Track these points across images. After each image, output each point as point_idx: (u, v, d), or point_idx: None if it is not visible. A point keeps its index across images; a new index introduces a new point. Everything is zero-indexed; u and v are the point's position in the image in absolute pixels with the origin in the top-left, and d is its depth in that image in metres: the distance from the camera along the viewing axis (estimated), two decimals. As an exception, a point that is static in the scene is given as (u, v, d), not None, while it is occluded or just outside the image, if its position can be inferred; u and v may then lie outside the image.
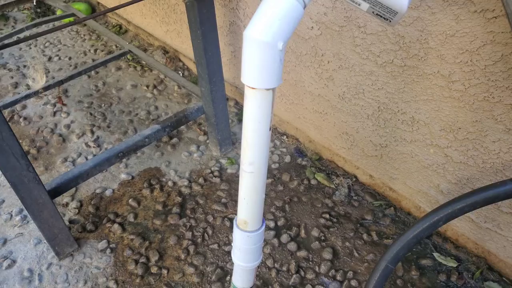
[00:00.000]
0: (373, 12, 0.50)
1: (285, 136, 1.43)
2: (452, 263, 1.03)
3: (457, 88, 0.82)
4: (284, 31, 0.47)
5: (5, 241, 1.13)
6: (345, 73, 1.04)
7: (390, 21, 0.50)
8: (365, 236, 1.11)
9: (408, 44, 0.85)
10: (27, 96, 1.45)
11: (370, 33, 0.91)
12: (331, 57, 1.05)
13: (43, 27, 2.11)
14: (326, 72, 1.09)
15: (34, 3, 2.07)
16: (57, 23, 2.16)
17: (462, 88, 0.81)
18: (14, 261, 1.08)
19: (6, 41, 1.96)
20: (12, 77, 1.76)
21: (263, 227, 0.64)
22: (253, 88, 0.51)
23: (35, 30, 2.08)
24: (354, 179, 1.26)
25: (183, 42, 1.65)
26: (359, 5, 0.50)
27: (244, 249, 0.63)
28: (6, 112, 1.57)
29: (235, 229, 0.64)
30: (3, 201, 1.24)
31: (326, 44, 1.03)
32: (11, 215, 1.20)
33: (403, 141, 1.01)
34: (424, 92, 0.89)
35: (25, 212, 1.20)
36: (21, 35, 2.05)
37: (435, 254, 1.06)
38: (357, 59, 0.98)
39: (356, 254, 1.07)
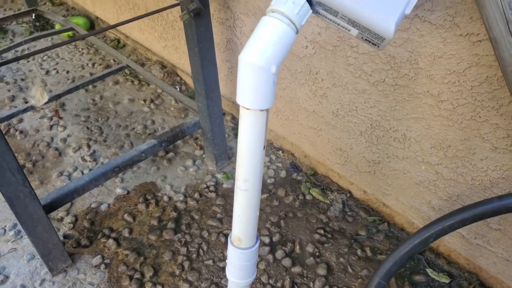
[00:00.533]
0: (362, 37, 0.52)
1: (280, 151, 1.45)
2: (445, 279, 1.04)
3: (446, 107, 0.84)
4: (277, 56, 0.49)
5: (-2, 256, 1.12)
6: (338, 91, 1.06)
7: (378, 46, 0.52)
8: (359, 251, 1.12)
9: (399, 64, 0.88)
10: (24, 110, 1.47)
11: (363, 53, 0.94)
12: (325, 75, 1.07)
13: (42, 41, 2.14)
14: (320, 90, 1.11)
15: (33, 17, 2.09)
16: (55, 37, 2.19)
17: (450, 107, 0.83)
18: (7, 277, 1.07)
19: (6, 57, 1.98)
20: (9, 90, 1.78)
21: (257, 244, 0.65)
22: (247, 108, 0.52)
23: (33, 44, 2.10)
24: (348, 195, 1.28)
25: (180, 58, 1.68)
26: (349, 30, 0.52)
27: (238, 265, 0.64)
28: (2, 126, 1.57)
29: (229, 246, 0.65)
30: (-2, 215, 1.24)
31: (320, 62, 1.06)
32: (5, 230, 1.20)
33: (396, 157, 1.03)
34: (415, 110, 0.91)
35: (19, 227, 1.20)
36: (20, 49, 2.07)
37: (428, 270, 1.07)
38: (350, 78, 1.01)
39: (350, 270, 1.08)
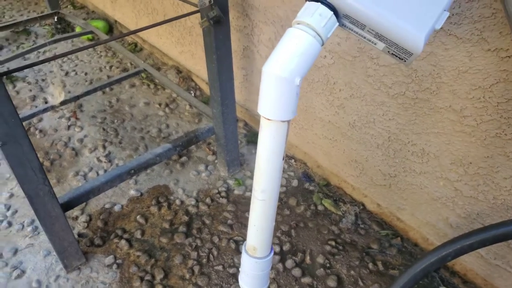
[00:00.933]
0: (388, 51, 0.51)
1: (293, 160, 1.44)
2: (459, 298, 1.02)
3: (468, 123, 0.83)
4: (301, 68, 0.49)
5: (15, 251, 1.14)
6: (356, 102, 1.06)
7: (405, 61, 0.51)
8: (370, 265, 1.10)
9: (421, 77, 0.87)
10: (45, 110, 1.49)
11: (383, 65, 0.93)
12: (343, 86, 1.07)
13: (63, 43, 2.18)
14: (338, 100, 1.11)
15: (55, 20, 2.14)
16: (76, 40, 2.23)
17: (474, 124, 0.82)
18: (23, 272, 1.09)
19: (29, 57, 2.03)
20: (30, 90, 1.81)
21: (272, 254, 0.64)
22: (269, 119, 0.52)
23: (54, 46, 2.14)
24: (361, 207, 1.26)
25: (196, 64, 1.69)
26: (375, 44, 0.52)
27: (252, 275, 0.64)
28: (23, 124, 1.60)
29: (243, 254, 0.64)
30: (16, 211, 1.26)
31: (338, 73, 1.06)
32: (23, 226, 1.22)
33: (413, 172, 1.02)
34: (435, 125, 0.90)
35: (37, 223, 1.22)
36: (42, 50, 2.11)
37: (442, 288, 1.05)
38: (369, 89, 1.00)
39: (361, 283, 1.06)
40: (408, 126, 0.96)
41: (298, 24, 0.51)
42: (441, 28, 0.77)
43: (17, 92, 1.80)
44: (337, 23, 0.51)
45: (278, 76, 0.50)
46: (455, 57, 0.79)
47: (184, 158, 1.46)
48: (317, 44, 0.50)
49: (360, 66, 0.99)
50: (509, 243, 0.88)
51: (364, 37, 0.51)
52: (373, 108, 1.02)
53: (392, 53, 0.52)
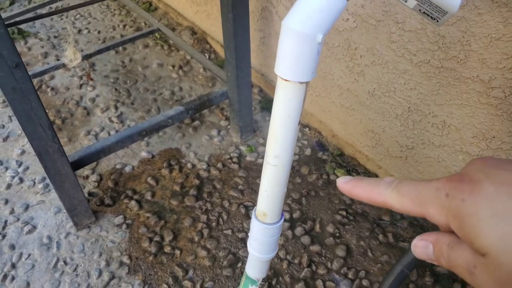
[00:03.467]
0: (420, 10, 0.47)
1: (307, 128, 1.41)
2: (469, 274, 1.01)
3: (496, 95, 0.78)
4: (324, 23, 0.45)
5: (27, 207, 1.16)
6: (377, 69, 1.01)
7: (437, 21, 0.47)
8: (380, 236, 1.09)
9: (448, 44, 0.81)
10: (56, 68, 1.48)
11: (409, 30, 0.87)
12: (365, 52, 1.01)
13: (75, -1, 2.13)
14: (358, 67, 1.06)
15: (68, -26, 2.07)
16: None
17: (501, 96, 0.77)
18: (34, 227, 1.11)
19: (40, 12, 1.98)
20: (42, 47, 1.79)
21: (282, 220, 0.63)
22: (286, 80, 0.49)
23: (67, 2, 2.10)
24: (374, 178, 1.24)
25: (212, 25, 1.64)
26: (405, 1, 0.47)
27: (261, 240, 0.63)
28: (35, 81, 1.60)
29: (253, 219, 0.63)
30: (28, 167, 1.28)
31: (360, 37, 1.00)
32: (34, 182, 1.23)
33: (431, 144, 0.98)
34: (460, 96, 0.85)
35: (47, 180, 1.23)
36: (54, 5, 2.07)
37: (452, 263, 1.03)
38: (392, 56, 0.95)
39: (370, 254, 1.06)
40: (430, 96, 0.92)
41: (323, -25, 0.46)
42: (477, -11, 0.71)
43: (29, 48, 1.78)
44: (366, -25, 0.46)
45: (298, 31, 0.46)
46: (488, 23, 0.73)
47: (196, 122, 1.44)
48: (342, -2, 0.45)
49: (384, 31, 0.93)
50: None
51: (395, -8, 0.47)
52: (394, 76, 0.97)
53: (424, 12, 0.47)
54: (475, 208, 0.22)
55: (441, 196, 0.24)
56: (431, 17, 0.48)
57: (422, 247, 0.27)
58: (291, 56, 0.47)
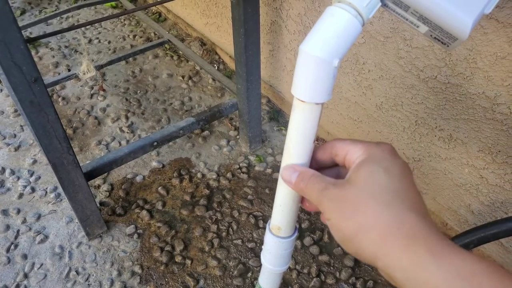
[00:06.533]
0: (431, 35, 0.49)
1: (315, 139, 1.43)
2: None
3: (501, 111, 0.80)
4: (341, 48, 0.47)
5: (39, 217, 1.18)
6: (385, 84, 1.03)
7: (448, 46, 0.49)
8: (388, 247, 1.11)
9: (455, 61, 0.84)
10: (68, 78, 1.51)
11: (416, 47, 0.90)
12: (373, 67, 1.04)
13: (85, 9, 2.17)
14: (366, 81, 1.08)
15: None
16: (99, 6, 2.22)
17: (507, 112, 0.79)
18: (46, 237, 1.13)
19: (51, 23, 2.03)
20: (53, 57, 1.83)
21: (296, 234, 0.65)
22: (302, 101, 0.51)
23: (77, 12, 2.14)
24: (381, 189, 1.25)
25: (221, 36, 1.67)
26: (417, 27, 0.50)
27: (275, 253, 0.64)
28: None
29: (267, 233, 0.65)
30: (39, 177, 1.30)
31: (368, 53, 1.03)
32: (46, 192, 1.26)
33: (438, 157, 1.00)
34: (466, 111, 0.87)
35: (59, 190, 1.25)
36: (64, 16, 2.11)
37: (459, 274, 1.05)
38: (399, 71, 0.97)
39: (377, 265, 1.07)
40: (436, 111, 0.94)
41: (339, 2, 0.49)
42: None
43: (40, 58, 1.82)
44: (380, 3, 0.48)
45: (316, 57, 0.49)
46: (493, 42, 0.75)
47: (206, 132, 1.47)
48: (358, 25, 0.48)
49: (392, 47, 0.95)
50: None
51: (407, 19, 0.49)
52: (402, 91, 0.99)
53: (434, 37, 0.50)
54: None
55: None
56: (441, 42, 0.50)
57: (290, 171, 0.41)
58: (308, 79, 0.50)
